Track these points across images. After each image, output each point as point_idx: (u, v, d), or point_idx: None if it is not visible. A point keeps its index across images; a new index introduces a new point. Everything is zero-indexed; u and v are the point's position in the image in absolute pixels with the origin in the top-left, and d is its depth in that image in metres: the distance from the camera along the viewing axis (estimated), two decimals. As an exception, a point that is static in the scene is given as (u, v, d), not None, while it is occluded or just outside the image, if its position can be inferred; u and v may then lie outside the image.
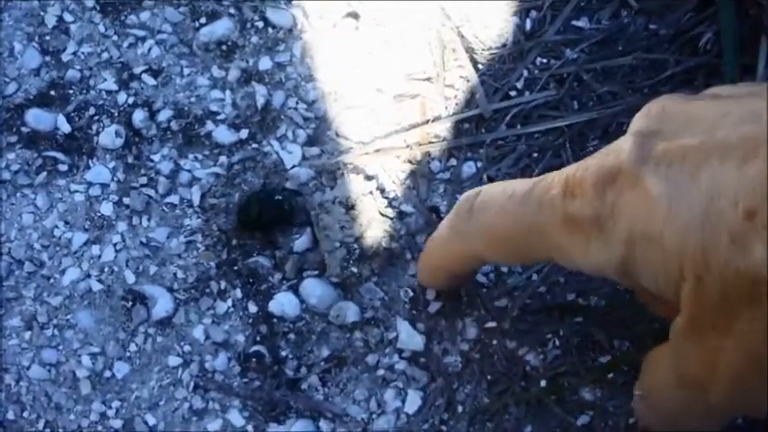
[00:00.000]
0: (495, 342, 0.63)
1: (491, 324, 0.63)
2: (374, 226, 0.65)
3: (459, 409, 0.62)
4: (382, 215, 0.66)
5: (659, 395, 0.52)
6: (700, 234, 0.39)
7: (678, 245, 0.40)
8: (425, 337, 0.64)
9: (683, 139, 0.41)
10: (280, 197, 0.66)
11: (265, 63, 0.70)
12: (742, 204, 0.38)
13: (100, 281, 0.66)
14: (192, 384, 0.64)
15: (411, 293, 0.65)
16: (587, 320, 0.62)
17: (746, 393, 0.46)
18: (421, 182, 0.67)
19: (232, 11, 0.71)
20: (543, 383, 0.62)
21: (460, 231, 0.54)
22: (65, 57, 0.71)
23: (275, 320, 0.65)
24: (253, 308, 0.65)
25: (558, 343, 0.62)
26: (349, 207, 0.66)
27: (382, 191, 0.67)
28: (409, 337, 0.63)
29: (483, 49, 0.71)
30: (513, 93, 0.70)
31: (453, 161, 0.68)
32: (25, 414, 0.63)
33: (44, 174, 0.68)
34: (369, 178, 0.67)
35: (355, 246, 0.65)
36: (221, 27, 0.71)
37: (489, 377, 0.62)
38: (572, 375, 0.61)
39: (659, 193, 0.41)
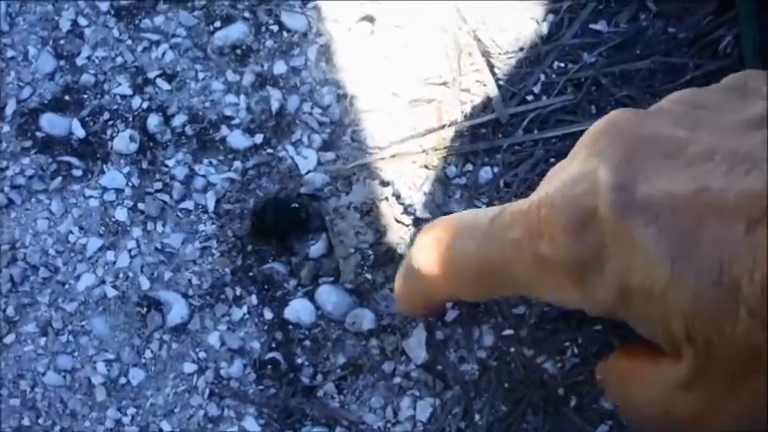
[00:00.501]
0: (512, 350, 0.63)
1: (508, 332, 0.63)
2: (389, 232, 0.65)
3: (477, 417, 0.62)
4: (398, 221, 0.65)
5: (638, 409, 0.51)
6: (713, 302, 0.37)
7: (687, 309, 0.38)
8: (443, 345, 0.63)
9: (666, 181, 0.39)
10: (295, 204, 0.65)
11: (280, 67, 0.70)
12: (758, 277, 0.35)
13: (115, 287, 0.66)
14: (207, 391, 0.63)
15: (427, 300, 0.64)
16: (606, 328, 0.61)
17: None
18: (437, 187, 0.67)
19: (247, 15, 0.71)
20: (561, 392, 0.61)
21: (424, 270, 0.51)
22: (79, 61, 0.70)
23: (291, 327, 0.65)
24: (268, 314, 0.65)
25: (576, 351, 0.62)
26: (364, 213, 0.66)
27: (398, 196, 0.66)
28: (416, 349, 0.63)
29: (500, 53, 0.70)
30: (530, 97, 0.69)
31: (470, 166, 0.67)
32: (41, 420, 0.63)
33: (59, 179, 0.68)
34: (384, 184, 0.67)
35: (370, 252, 0.65)
36: (236, 31, 0.71)
37: (507, 385, 0.62)
38: (591, 384, 0.61)
39: (658, 252, 0.38)
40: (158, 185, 0.67)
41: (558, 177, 0.44)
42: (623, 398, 0.50)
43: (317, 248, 0.65)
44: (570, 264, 0.43)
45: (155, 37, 0.71)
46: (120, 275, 0.66)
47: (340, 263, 0.65)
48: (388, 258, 0.65)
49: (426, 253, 0.52)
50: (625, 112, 0.45)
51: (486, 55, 0.70)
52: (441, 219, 0.53)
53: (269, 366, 0.64)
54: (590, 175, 0.41)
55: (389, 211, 0.66)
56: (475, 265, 0.49)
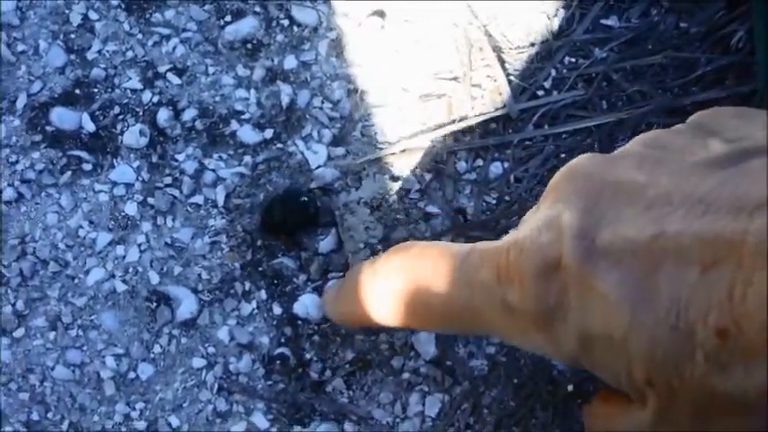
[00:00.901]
0: (521, 346, 0.62)
1: (517, 327, 0.62)
2: (399, 227, 0.65)
3: (485, 413, 0.62)
4: (408, 216, 0.65)
5: None
6: (670, 347, 0.37)
7: (646, 354, 0.38)
8: (452, 340, 0.63)
9: (627, 226, 0.39)
10: (305, 198, 0.65)
11: (290, 62, 0.70)
12: (712, 321, 0.35)
13: (124, 281, 0.66)
14: (216, 386, 0.63)
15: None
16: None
17: None
18: (447, 183, 0.66)
19: (257, 9, 0.71)
20: (570, 388, 0.61)
21: (379, 298, 0.51)
22: (90, 55, 0.70)
23: (300, 322, 0.65)
24: (277, 309, 0.65)
25: (585, 347, 0.61)
26: (374, 208, 0.66)
27: (408, 192, 0.66)
28: (425, 344, 0.63)
29: (510, 48, 0.70)
30: (540, 92, 0.69)
31: (480, 162, 0.67)
32: (49, 415, 0.63)
33: (68, 173, 0.68)
34: (394, 179, 0.67)
35: (380, 247, 0.65)
36: (246, 25, 0.71)
37: (515, 381, 0.62)
38: (599, 380, 0.61)
39: (618, 298, 0.38)
40: (168, 180, 0.67)
41: (529, 222, 0.44)
42: None
43: (326, 243, 0.65)
44: (536, 312, 0.42)
45: (165, 31, 0.71)
46: (130, 270, 0.66)
47: (349, 257, 0.65)
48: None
49: (388, 282, 0.50)
50: (591, 157, 0.45)
51: (496, 50, 0.70)
52: (407, 245, 0.52)
53: (278, 362, 0.64)
54: (554, 222, 0.41)
55: (399, 206, 0.66)
56: (441, 304, 0.47)
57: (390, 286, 0.51)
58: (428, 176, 0.67)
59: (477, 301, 0.46)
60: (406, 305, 0.51)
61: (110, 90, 0.70)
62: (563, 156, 0.67)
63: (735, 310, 0.36)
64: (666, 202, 0.40)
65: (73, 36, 0.71)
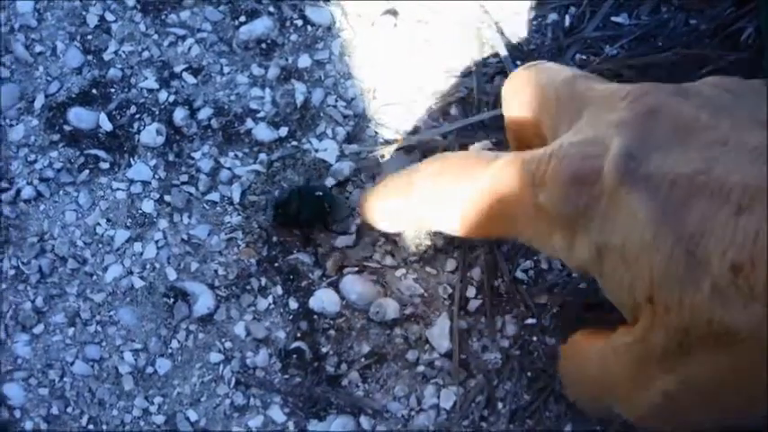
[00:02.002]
0: (535, 339, 0.63)
1: (531, 321, 0.63)
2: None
3: (499, 405, 0.62)
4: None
5: (578, 376, 0.52)
6: (682, 270, 0.39)
7: (656, 271, 0.40)
8: (466, 334, 0.63)
9: (676, 158, 0.40)
10: (319, 192, 0.66)
11: (304, 61, 0.70)
12: (730, 256, 0.37)
13: (142, 278, 0.66)
14: (233, 380, 0.64)
15: (450, 290, 0.64)
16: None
17: (671, 418, 0.46)
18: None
19: (271, 9, 0.71)
20: (584, 380, 0.61)
21: (421, 199, 0.53)
22: (106, 56, 0.71)
23: (315, 317, 0.65)
24: (293, 304, 0.65)
25: (598, 340, 0.62)
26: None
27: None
28: (439, 337, 0.63)
29: (522, 46, 0.70)
30: (552, 89, 0.69)
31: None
32: (69, 409, 0.64)
33: (86, 172, 0.68)
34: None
35: (395, 242, 0.65)
36: (261, 25, 0.71)
37: (529, 374, 0.62)
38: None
39: (646, 217, 0.40)
40: (184, 178, 0.68)
41: (578, 135, 0.46)
42: (567, 371, 0.53)
43: (342, 239, 0.66)
44: (563, 214, 0.44)
45: (181, 32, 0.71)
46: (147, 266, 0.66)
47: (365, 253, 0.65)
48: (413, 249, 0.65)
49: (424, 185, 0.53)
50: (655, 87, 0.46)
51: (508, 47, 0.70)
52: (448, 156, 0.55)
53: (294, 356, 0.64)
54: (606, 141, 0.43)
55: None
56: (481, 201, 0.50)
57: (426, 188, 0.53)
58: (441, 172, 0.67)
59: (513, 198, 0.48)
60: (442, 206, 0.52)
61: (126, 90, 0.70)
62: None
63: (755, 250, 0.37)
64: (721, 144, 0.41)
65: (90, 37, 0.71)
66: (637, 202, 0.40)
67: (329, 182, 0.67)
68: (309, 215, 0.66)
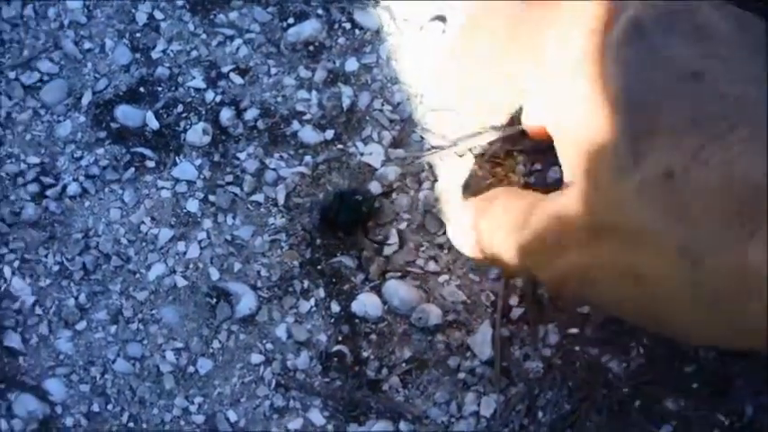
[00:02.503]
0: (577, 348, 0.62)
1: (573, 330, 0.63)
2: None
3: (540, 414, 0.61)
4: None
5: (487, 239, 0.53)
6: (621, 160, 0.42)
7: (599, 151, 0.43)
8: (508, 342, 0.63)
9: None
10: (359, 197, 0.65)
11: (352, 64, 0.70)
12: (667, 161, 0.41)
13: (185, 277, 0.66)
14: (273, 382, 0.64)
15: (492, 297, 0.64)
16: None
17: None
18: (505, 185, 0.66)
19: (320, 12, 0.71)
20: (626, 391, 0.60)
21: None
22: (154, 54, 0.71)
23: (357, 321, 0.65)
24: (335, 307, 0.65)
25: (641, 351, 0.62)
26: (432, 209, 0.65)
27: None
28: (481, 345, 0.63)
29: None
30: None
31: (538, 166, 0.67)
32: (109, 407, 0.64)
33: (132, 170, 0.68)
34: (453, 181, 0.66)
35: (438, 249, 0.65)
36: (309, 27, 0.71)
37: (571, 383, 0.62)
38: (655, 384, 0.60)
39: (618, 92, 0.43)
40: (229, 178, 0.68)
41: None
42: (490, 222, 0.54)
43: (386, 243, 0.65)
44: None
45: (229, 32, 0.71)
46: (191, 266, 0.66)
47: (408, 258, 0.65)
48: (457, 255, 0.64)
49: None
50: None
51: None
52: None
53: (335, 359, 0.64)
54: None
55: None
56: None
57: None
58: (486, 179, 0.66)
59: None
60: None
61: (173, 89, 0.70)
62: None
63: (693, 164, 0.39)
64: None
65: (138, 35, 0.71)
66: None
67: (374, 186, 0.67)
68: (348, 220, 0.65)
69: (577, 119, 0.45)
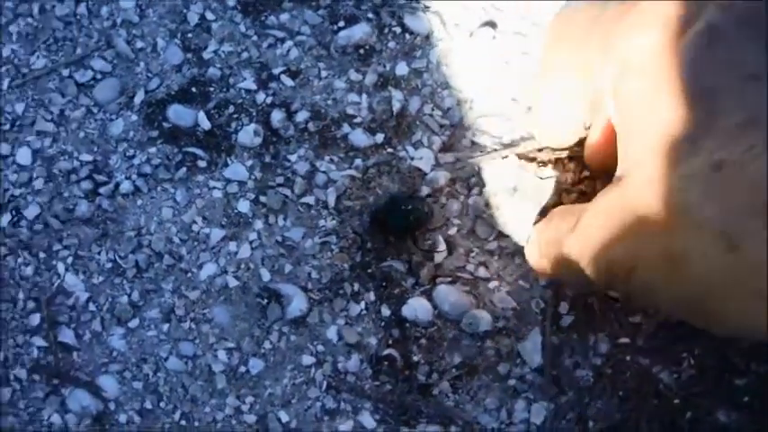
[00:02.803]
0: (627, 358, 0.62)
1: (624, 340, 0.63)
2: (509, 233, 0.65)
3: (590, 423, 0.61)
4: (517, 223, 0.65)
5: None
6: (670, 149, 0.45)
7: (652, 141, 0.46)
8: (558, 350, 0.63)
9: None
10: (407, 206, 0.65)
11: (402, 68, 0.70)
12: (719, 155, 0.44)
13: (236, 277, 0.66)
14: (324, 384, 0.64)
15: (542, 305, 0.64)
16: (724, 341, 0.61)
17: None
18: (555, 191, 0.66)
19: (370, 15, 0.71)
20: (677, 402, 0.61)
21: None
22: (206, 54, 0.71)
23: (407, 325, 0.65)
24: (386, 311, 0.65)
25: (692, 362, 0.61)
26: (483, 215, 0.66)
27: (516, 200, 0.66)
28: (532, 352, 0.63)
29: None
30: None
31: (587, 172, 0.67)
32: (162, 404, 0.64)
33: (184, 169, 0.68)
34: (503, 187, 0.66)
35: (488, 254, 0.65)
36: (359, 31, 0.70)
37: (621, 393, 0.62)
38: (706, 396, 0.61)
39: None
40: (280, 180, 0.67)
41: None
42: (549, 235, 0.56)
43: (436, 249, 0.65)
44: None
45: (280, 34, 0.71)
46: (242, 266, 0.66)
47: (458, 263, 0.65)
48: (507, 261, 0.65)
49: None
50: None
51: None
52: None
53: (385, 362, 0.64)
54: None
55: (508, 212, 0.66)
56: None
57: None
58: (536, 185, 0.67)
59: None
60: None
61: (225, 90, 0.70)
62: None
63: (745, 158, 0.42)
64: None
65: (190, 35, 0.71)
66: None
67: (424, 190, 0.67)
68: (398, 225, 0.66)
69: (643, 112, 0.46)
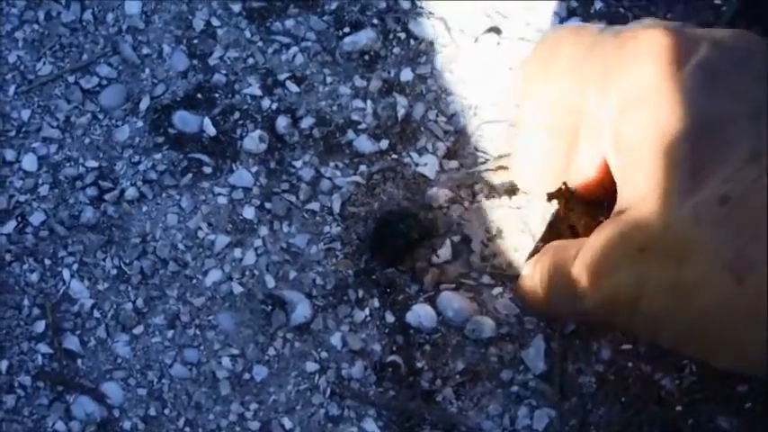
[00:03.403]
0: (630, 365, 0.62)
1: (626, 346, 0.63)
2: (513, 239, 0.65)
3: (593, 429, 0.61)
4: (522, 229, 0.65)
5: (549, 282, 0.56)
6: (675, 183, 0.46)
7: (653, 176, 0.47)
8: (559, 357, 0.63)
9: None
10: (403, 225, 0.65)
11: (407, 74, 0.70)
12: (726, 188, 0.45)
13: (241, 284, 0.66)
14: (328, 391, 0.64)
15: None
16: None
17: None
18: (558, 198, 0.66)
19: (375, 21, 0.71)
20: (679, 408, 0.60)
21: None
22: (211, 61, 0.71)
23: (412, 331, 0.65)
24: (390, 318, 0.65)
25: (694, 369, 0.61)
26: (487, 221, 0.66)
27: (520, 206, 0.66)
28: (534, 358, 0.63)
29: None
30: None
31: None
32: (166, 411, 0.64)
33: (189, 175, 0.68)
34: (507, 193, 0.66)
35: (493, 260, 0.65)
36: (364, 37, 0.71)
37: (623, 399, 0.62)
38: (708, 402, 0.61)
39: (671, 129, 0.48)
40: (285, 186, 0.67)
41: None
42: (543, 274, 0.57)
43: (440, 255, 0.65)
44: None
45: (285, 40, 0.71)
46: (247, 273, 0.66)
47: (462, 270, 0.65)
48: (511, 267, 0.65)
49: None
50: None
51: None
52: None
53: (389, 369, 0.64)
54: None
55: (513, 218, 0.66)
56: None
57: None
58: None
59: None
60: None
61: (230, 96, 0.70)
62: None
63: (751, 191, 0.43)
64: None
65: (195, 41, 0.71)
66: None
67: (429, 195, 0.66)
68: (394, 250, 0.66)
69: (646, 145, 0.46)
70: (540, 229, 0.63)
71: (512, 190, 0.66)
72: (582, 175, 0.54)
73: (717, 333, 0.45)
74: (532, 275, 0.56)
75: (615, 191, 0.50)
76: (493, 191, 0.66)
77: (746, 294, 0.41)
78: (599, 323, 0.56)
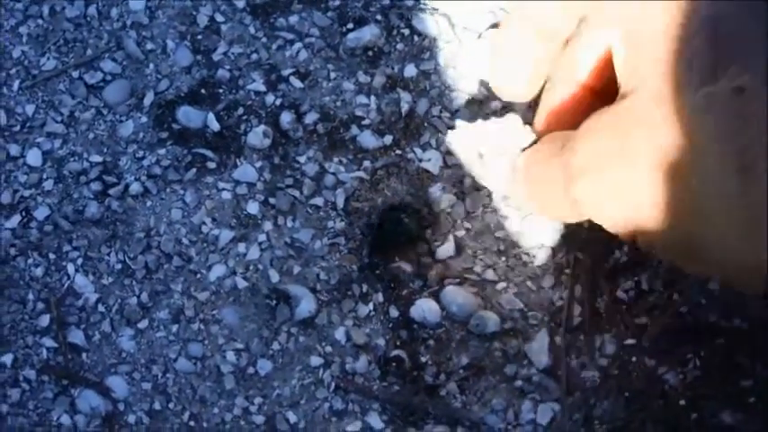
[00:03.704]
0: (634, 359, 0.62)
1: (630, 341, 0.63)
2: (516, 234, 0.65)
3: (596, 424, 0.61)
4: (525, 225, 0.65)
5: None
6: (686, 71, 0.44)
7: (665, 63, 0.45)
8: (563, 351, 0.63)
9: None
10: (411, 220, 0.65)
11: (410, 70, 0.70)
12: (743, 78, 0.42)
13: (245, 278, 0.66)
14: (332, 385, 0.64)
15: (550, 305, 0.64)
16: (730, 343, 0.61)
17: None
18: (562, 195, 0.66)
19: (379, 17, 0.71)
20: (682, 403, 0.61)
21: None
22: (215, 56, 0.71)
23: (416, 326, 0.65)
24: (394, 312, 0.65)
25: (698, 364, 0.61)
26: (490, 216, 0.66)
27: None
28: (538, 353, 0.63)
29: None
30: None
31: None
32: (171, 405, 0.64)
33: (193, 170, 0.68)
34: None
35: (495, 256, 0.65)
36: (368, 33, 0.71)
37: (627, 394, 0.62)
38: (712, 397, 0.61)
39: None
40: (289, 181, 0.68)
41: None
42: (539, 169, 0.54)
43: (443, 250, 0.66)
44: None
45: (289, 36, 0.71)
46: (251, 267, 0.66)
47: (465, 265, 0.65)
48: (514, 262, 0.65)
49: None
50: None
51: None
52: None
53: (393, 363, 0.64)
54: None
55: (516, 215, 0.66)
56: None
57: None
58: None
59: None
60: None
61: (234, 91, 0.70)
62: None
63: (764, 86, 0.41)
64: None
65: (200, 37, 0.71)
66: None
67: (433, 191, 0.67)
68: (396, 244, 0.66)
69: (657, 36, 0.46)
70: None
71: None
72: (575, 72, 0.54)
73: (714, 228, 0.44)
74: (527, 164, 0.54)
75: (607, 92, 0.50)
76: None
77: (749, 185, 0.40)
78: (589, 214, 0.54)
